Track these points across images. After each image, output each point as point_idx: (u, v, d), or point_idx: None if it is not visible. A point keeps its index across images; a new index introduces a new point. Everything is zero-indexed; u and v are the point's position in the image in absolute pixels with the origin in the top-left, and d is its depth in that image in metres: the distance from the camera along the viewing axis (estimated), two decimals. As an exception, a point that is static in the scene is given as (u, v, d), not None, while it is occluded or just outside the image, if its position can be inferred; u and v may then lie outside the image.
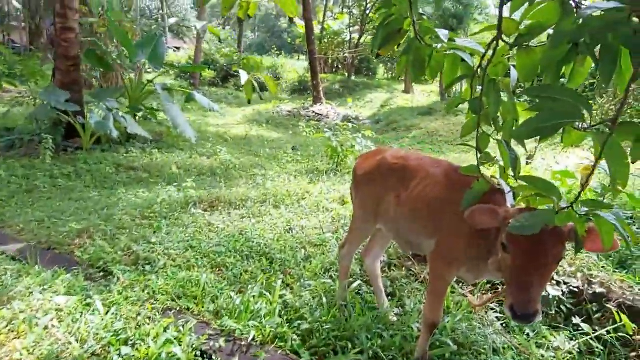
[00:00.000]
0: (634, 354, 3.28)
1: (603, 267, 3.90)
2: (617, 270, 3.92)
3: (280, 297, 3.71)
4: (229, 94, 24.50)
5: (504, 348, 3.29)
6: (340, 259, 3.82)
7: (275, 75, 27.81)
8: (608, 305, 3.51)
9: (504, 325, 3.60)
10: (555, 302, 3.63)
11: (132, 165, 9.57)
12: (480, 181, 2.62)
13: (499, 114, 2.59)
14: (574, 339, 3.51)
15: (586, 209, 1.83)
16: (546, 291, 3.64)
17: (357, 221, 3.62)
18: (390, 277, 4.14)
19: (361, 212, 3.56)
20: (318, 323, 3.32)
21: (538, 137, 1.82)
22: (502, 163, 2.62)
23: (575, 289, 3.66)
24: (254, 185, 7.45)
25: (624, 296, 3.55)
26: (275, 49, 33.85)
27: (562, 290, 3.62)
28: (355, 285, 3.87)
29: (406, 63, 2.70)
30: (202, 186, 7.85)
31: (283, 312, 3.53)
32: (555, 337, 3.45)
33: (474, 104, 2.61)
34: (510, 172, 2.46)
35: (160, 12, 34.75)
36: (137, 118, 12.39)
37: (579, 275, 3.78)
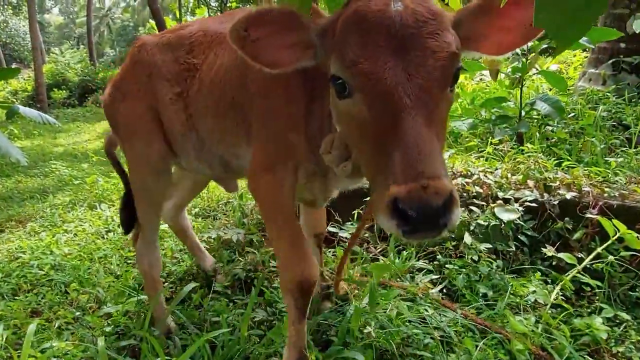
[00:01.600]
0: (654, 279, 2.00)
1: (558, 163, 2.64)
2: (574, 166, 2.67)
3: (43, 352, 1.90)
4: (88, 112, 21.46)
5: (459, 334, 1.81)
6: (138, 260, 2.11)
7: (141, 84, 24.99)
8: (587, 215, 2.20)
9: (446, 292, 2.13)
10: (511, 231, 2.25)
11: None
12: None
13: None
14: (551, 280, 2.17)
15: None
16: (496, 217, 2.24)
17: (138, 180, 1.96)
18: (250, 264, 2.48)
19: (137, 161, 1.94)
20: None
21: None
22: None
23: (533, 204, 2.31)
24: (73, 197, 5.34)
25: (604, 195, 2.27)
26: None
27: (516, 210, 2.23)
28: (188, 289, 2.15)
29: None
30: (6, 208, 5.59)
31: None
32: (526, 287, 2.06)
33: None
34: None
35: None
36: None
37: (530, 182, 2.44)
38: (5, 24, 33.56)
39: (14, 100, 23.82)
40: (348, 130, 1.13)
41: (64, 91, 24.01)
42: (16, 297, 2.60)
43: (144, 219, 2.02)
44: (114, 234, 3.37)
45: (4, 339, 2.00)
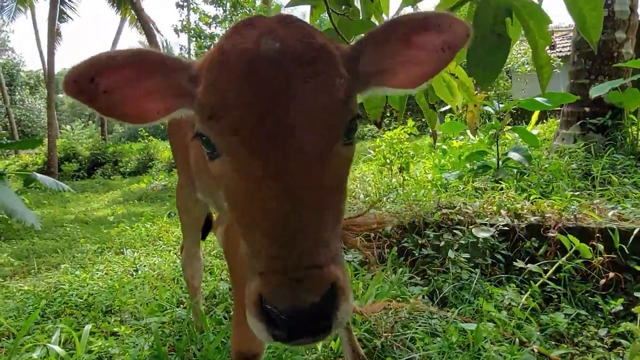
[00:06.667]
0: (603, 281, 2.40)
1: (527, 197, 3.12)
2: (540, 198, 3.15)
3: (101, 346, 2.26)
4: (97, 183, 22.27)
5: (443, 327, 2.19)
6: (183, 269, 2.52)
7: (148, 157, 25.97)
8: (550, 235, 2.65)
9: (436, 300, 2.52)
10: (488, 249, 2.68)
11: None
12: None
13: None
14: (525, 291, 2.56)
15: None
16: (472, 235, 2.68)
17: (180, 200, 2.38)
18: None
19: (180, 184, 2.37)
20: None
21: None
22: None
23: (506, 228, 2.77)
24: (100, 245, 5.77)
25: (562, 219, 2.73)
26: (147, 133, 31.93)
27: (490, 230, 2.69)
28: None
29: None
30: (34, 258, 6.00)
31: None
32: (503, 294, 2.46)
33: None
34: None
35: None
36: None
37: (503, 212, 2.91)
38: (21, 102, 35.65)
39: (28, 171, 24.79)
40: (225, 196, 0.89)
41: (75, 164, 24.93)
42: (62, 316, 2.97)
43: (185, 233, 2.42)
44: (141, 271, 3.76)
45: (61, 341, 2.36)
